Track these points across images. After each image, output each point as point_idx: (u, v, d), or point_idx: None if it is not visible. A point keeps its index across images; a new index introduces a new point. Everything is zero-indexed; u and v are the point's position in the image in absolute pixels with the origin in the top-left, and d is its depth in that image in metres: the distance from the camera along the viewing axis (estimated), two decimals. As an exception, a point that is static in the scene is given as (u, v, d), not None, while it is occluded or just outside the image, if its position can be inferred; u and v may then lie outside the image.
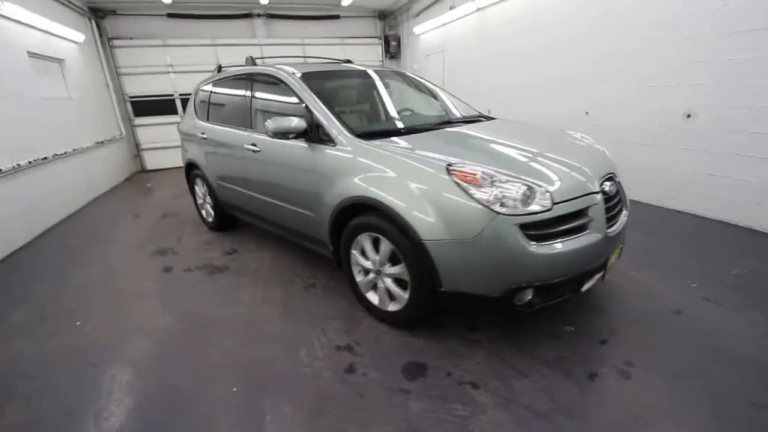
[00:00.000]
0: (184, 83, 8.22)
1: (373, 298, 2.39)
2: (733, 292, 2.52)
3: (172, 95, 8.38)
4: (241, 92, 3.33)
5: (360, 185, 2.17)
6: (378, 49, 9.74)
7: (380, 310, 2.35)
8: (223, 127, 3.51)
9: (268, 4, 8.11)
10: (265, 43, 8.62)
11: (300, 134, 2.51)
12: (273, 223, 3.19)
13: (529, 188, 1.81)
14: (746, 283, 2.60)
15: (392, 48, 9.49)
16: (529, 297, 1.86)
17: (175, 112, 8.47)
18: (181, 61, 8.20)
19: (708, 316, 2.29)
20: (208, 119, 3.80)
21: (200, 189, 4.16)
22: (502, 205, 1.77)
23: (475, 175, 1.84)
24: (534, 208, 1.77)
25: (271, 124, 2.47)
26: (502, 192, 1.79)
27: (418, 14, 8.38)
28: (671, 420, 1.63)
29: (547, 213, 1.78)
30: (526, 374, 1.92)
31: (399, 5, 8.86)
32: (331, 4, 8.61)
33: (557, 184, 1.89)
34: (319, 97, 2.59)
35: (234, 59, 7.67)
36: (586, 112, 4.83)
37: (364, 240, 2.26)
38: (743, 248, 3.12)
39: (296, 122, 2.46)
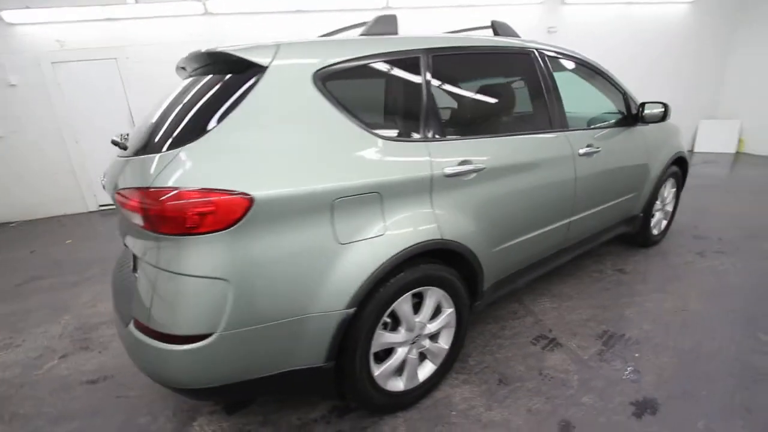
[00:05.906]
0: None
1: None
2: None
3: None
4: (534, 77, 2.07)
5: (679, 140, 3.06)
6: None
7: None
8: (525, 136, 1.97)
9: None
10: None
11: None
12: (567, 248, 2.41)
13: None
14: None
15: None
16: None
17: None
18: None
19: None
20: (444, 132, 1.66)
21: (406, 317, 1.54)
22: None
23: None
24: None
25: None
26: None
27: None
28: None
29: None
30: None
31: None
32: None
33: None
34: None
35: None
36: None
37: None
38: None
39: None
